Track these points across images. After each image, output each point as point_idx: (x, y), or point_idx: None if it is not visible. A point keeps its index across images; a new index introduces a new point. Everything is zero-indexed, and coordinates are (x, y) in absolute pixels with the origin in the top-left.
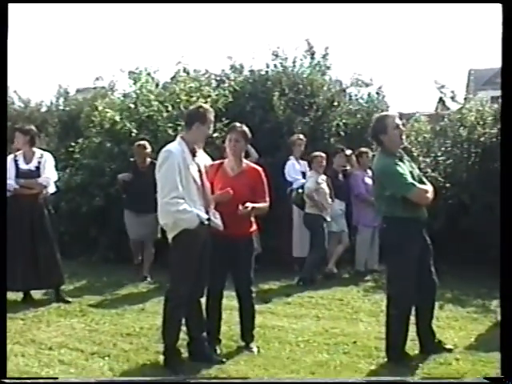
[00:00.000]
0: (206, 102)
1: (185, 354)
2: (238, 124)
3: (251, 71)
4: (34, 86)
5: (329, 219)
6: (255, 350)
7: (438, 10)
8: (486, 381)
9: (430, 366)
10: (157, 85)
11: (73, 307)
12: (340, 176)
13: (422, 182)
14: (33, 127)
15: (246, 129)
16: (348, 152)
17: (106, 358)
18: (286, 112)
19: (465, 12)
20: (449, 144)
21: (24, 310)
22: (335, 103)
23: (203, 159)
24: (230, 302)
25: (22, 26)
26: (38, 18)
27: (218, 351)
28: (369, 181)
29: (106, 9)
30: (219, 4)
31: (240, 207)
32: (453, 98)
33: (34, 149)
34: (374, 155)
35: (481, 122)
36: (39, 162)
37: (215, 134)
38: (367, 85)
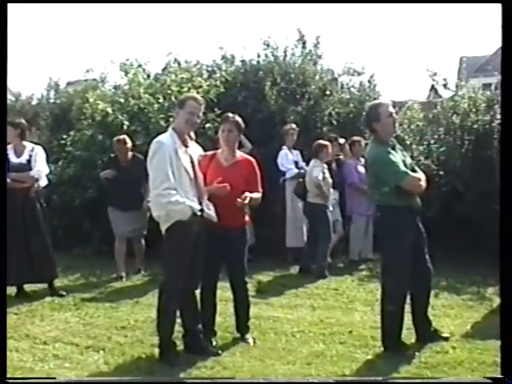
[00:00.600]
0: (197, 93)
1: (180, 346)
2: (230, 114)
3: (242, 61)
4: (24, 79)
5: (331, 208)
6: (251, 341)
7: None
8: (486, 380)
9: (426, 354)
10: (148, 76)
11: (67, 301)
12: (333, 165)
13: (414, 171)
14: (23, 120)
15: (238, 119)
16: (341, 141)
17: (101, 352)
18: (278, 102)
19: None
20: (442, 132)
21: (18, 304)
22: (327, 92)
23: (195, 150)
24: (224, 293)
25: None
26: (28, 11)
27: (214, 343)
28: (362, 169)
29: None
30: None
31: (239, 200)
32: (445, 86)
33: (25, 142)
34: (366, 144)
35: (473, 109)
36: (30, 156)
37: (207, 125)
38: (359, 73)
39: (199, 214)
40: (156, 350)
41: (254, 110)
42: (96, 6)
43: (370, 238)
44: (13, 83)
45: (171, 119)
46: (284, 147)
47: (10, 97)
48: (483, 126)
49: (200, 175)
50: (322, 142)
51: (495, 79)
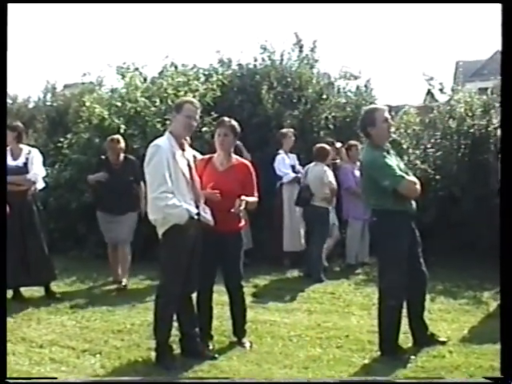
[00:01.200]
0: (193, 97)
1: (177, 350)
2: (226, 118)
3: (239, 65)
4: (21, 82)
5: (332, 213)
6: (248, 345)
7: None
8: (486, 380)
9: (423, 359)
10: (145, 79)
11: (63, 304)
12: (330, 169)
13: (407, 175)
14: (19, 123)
15: (234, 123)
16: (338, 145)
17: (98, 356)
18: (275, 106)
19: (451, 4)
20: (438, 136)
21: (14, 307)
22: (324, 96)
23: (191, 154)
24: (221, 297)
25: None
26: (25, 14)
27: (211, 347)
28: (358, 173)
29: (93, 4)
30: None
31: (236, 204)
32: (441, 90)
33: (22, 145)
34: (362, 148)
35: (470, 114)
36: (27, 159)
37: (204, 129)
38: (356, 77)
39: (196, 217)
40: (153, 354)
41: (251, 114)
42: (93, 9)
43: (366, 241)
44: (10, 86)
45: (168, 123)
46: (281, 151)
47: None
48: (479, 131)
49: (197, 179)
50: (325, 146)
51: (491, 83)
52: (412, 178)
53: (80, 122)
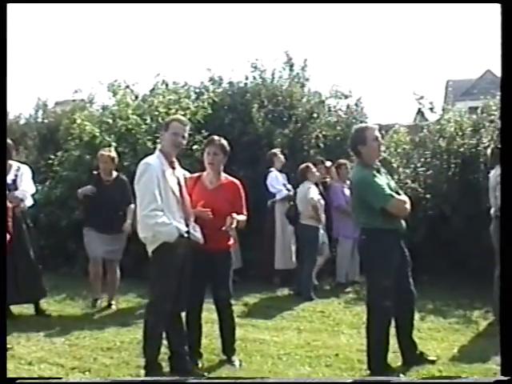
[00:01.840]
0: (184, 115)
1: (166, 368)
2: (216, 137)
3: (230, 83)
4: (12, 99)
5: (322, 231)
6: (237, 363)
7: (414, 22)
8: (489, 380)
9: (412, 377)
10: (136, 97)
11: (52, 321)
12: (320, 188)
13: (398, 194)
14: (9, 140)
15: (224, 142)
16: (327, 164)
17: (87, 373)
18: (266, 124)
19: (441, 23)
20: (428, 155)
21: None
22: (314, 115)
23: (181, 172)
24: (210, 315)
25: None
26: (16, 30)
27: (200, 365)
28: (348, 192)
29: (84, 22)
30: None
31: (227, 222)
32: (431, 109)
33: (11, 162)
34: (352, 167)
35: (460, 133)
36: (16, 175)
37: (195, 147)
38: (346, 96)
39: (186, 235)
40: (142, 372)
41: (241, 133)
42: (85, 27)
43: (356, 260)
44: None
45: (158, 141)
46: (272, 169)
47: None
48: (469, 150)
49: (187, 197)
50: (308, 164)
51: (481, 103)
52: (402, 196)
53: (71, 139)
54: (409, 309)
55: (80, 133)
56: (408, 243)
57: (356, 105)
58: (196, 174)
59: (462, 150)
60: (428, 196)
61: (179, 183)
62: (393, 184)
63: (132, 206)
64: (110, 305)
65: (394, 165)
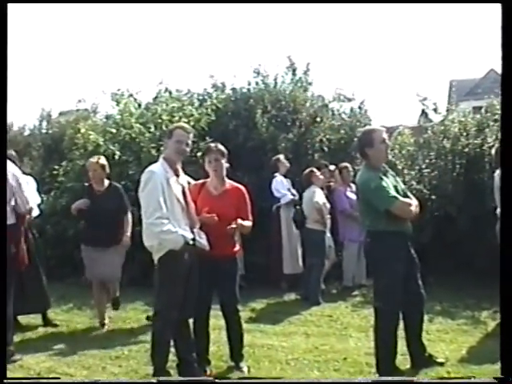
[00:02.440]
0: (188, 122)
1: (174, 375)
2: (212, 144)
3: (233, 89)
4: (16, 110)
5: (328, 234)
6: (245, 369)
7: (416, 23)
8: (493, 380)
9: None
10: (139, 105)
11: (61, 331)
12: (324, 192)
13: (406, 196)
14: (13, 152)
15: (221, 147)
16: (331, 167)
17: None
18: (269, 129)
19: (444, 23)
20: (433, 156)
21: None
22: (318, 119)
23: (186, 179)
24: (218, 321)
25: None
26: (18, 41)
27: (208, 372)
28: (352, 195)
29: (86, 30)
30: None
31: (233, 225)
32: (435, 110)
33: None
34: (355, 169)
35: (464, 133)
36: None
37: (199, 154)
38: (349, 99)
39: (191, 243)
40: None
41: (246, 138)
42: (87, 36)
43: (363, 263)
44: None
45: (162, 149)
46: (277, 174)
47: None
48: (474, 150)
49: (192, 204)
50: (310, 168)
51: (485, 102)
52: (408, 199)
53: (75, 148)
54: (418, 311)
55: (84, 142)
56: (415, 245)
57: (359, 108)
58: (200, 181)
59: (466, 150)
60: (433, 197)
61: (184, 190)
62: (401, 186)
63: (129, 215)
64: (103, 324)
65: (399, 167)
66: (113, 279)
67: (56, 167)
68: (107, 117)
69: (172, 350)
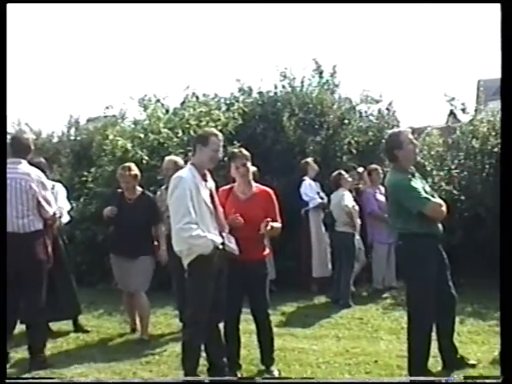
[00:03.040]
0: (215, 126)
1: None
2: (236, 150)
3: (260, 93)
4: (44, 118)
5: (357, 237)
6: (276, 373)
7: (443, 23)
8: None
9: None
10: (167, 111)
11: (91, 337)
12: (353, 194)
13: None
14: (42, 159)
15: (245, 151)
16: (360, 170)
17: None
18: (297, 132)
19: (471, 22)
20: (462, 156)
21: None
22: (346, 121)
23: (213, 184)
24: (248, 325)
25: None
26: (46, 49)
27: (239, 376)
28: (381, 198)
29: (114, 37)
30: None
31: (262, 226)
32: (463, 110)
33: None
34: (384, 172)
35: (493, 133)
36: (51, 193)
37: (226, 158)
38: (377, 101)
39: (221, 247)
40: None
41: (273, 142)
42: (114, 43)
43: (392, 265)
44: (33, 121)
45: (190, 153)
46: (306, 177)
47: (31, 135)
48: None
49: (220, 209)
50: (338, 171)
51: None
52: (438, 200)
53: (104, 154)
54: (450, 313)
55: (112, 148)
56: (445, 247)
57: (387, 109)
58: (227, 186)
59: (495, 150)
60: (463, 198)
61: (212, 195)
62: (428, 188)
63: (162, 227)
64: (134, 330)
65: (428, 168)
66: (136, 290)
67: (85, 173)
68: (135, 122)
69: (203, 354)
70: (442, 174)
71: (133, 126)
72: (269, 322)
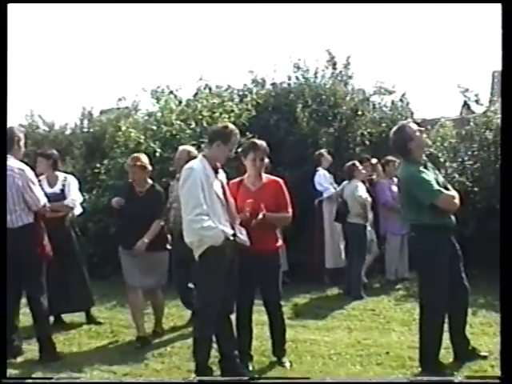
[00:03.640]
0: (228, 118)
1: (217, 371)
2: (258, 142)
3: (273, 84)
4: (57, 109)
5: (369, 228)
6: (288, 364)
7: (457, 13)
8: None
9: (464, 374)
10: (180, 102)
11: (104, 328)
12: (366, 185)
13: (446, 189)
14: (54, 151)
15: (266, 146)
16: (373, 161)
17: (139, 379)
18: (310, 124)
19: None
20: (475, 148)
21: (55, 332)
22: (359, 112)
23: (224, 176)
24: (260, 316)
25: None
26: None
27: (250, 367)
28: (395, 189)
29: (125, 28)
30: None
31: (259, 216)
32: (477, 102)
33: (57, 172)
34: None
35: None
36: (63, 185)
37: (240, 149)
38: (390, 92)
39: (232, 238)
40: (193, 376)
41: (287, 133)
42: (126, 35)
43: (405, 257)
44: (46, 113)
45: (203, 145)
46: (320, 168)
47: (43, 127)
48: None
49: (231, 200)
50: (352, 162)
51: None
52: (450, 191)
53: (116, 146)
54: (462, 304)
55: (125, 140)
56: (458, 238)
57: (401, 100)
58: (237, 179)
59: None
60: (476, 189)
61: (223, 186)
62: (441, 179)
63: (159, 222)
64: (155, 331)
65: (441, 159)
66: (154, 286)
67: (98, 165)
68: (148, 114)
69: (214, 346)
70: (455, 165)
71: (146, 117)
72: (281, 313)
